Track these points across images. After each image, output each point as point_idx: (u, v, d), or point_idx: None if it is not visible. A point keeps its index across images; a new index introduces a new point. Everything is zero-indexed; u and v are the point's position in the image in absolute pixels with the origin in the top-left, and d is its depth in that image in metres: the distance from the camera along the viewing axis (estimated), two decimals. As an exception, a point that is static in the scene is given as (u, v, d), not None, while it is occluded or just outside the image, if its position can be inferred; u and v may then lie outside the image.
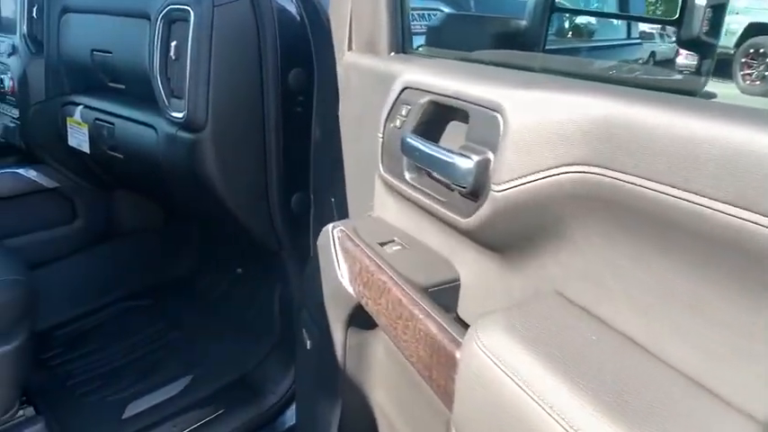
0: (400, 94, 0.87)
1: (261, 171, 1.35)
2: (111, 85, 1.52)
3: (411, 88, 0.84)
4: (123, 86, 1.48)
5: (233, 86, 1.26)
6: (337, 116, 1.28)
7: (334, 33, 1.21)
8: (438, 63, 0.91)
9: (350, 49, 1.15)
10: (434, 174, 0.79)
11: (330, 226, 1.00)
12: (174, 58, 1.24)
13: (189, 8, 1.19)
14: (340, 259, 0.95)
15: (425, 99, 0.80)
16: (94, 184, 1.82)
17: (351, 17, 1.13)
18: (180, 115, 1.24)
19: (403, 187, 0.86)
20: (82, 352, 1.66)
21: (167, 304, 1.86)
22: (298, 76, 1.34)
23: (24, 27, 1.67)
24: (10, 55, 1.71)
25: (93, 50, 1.50)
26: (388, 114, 0.90)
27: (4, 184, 1.70)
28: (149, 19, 1.31)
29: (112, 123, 1.48)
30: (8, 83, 1.71)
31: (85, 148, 1.60)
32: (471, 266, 0.81)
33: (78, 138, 1.62)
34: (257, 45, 1.26)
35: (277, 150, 1.34)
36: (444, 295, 0.82)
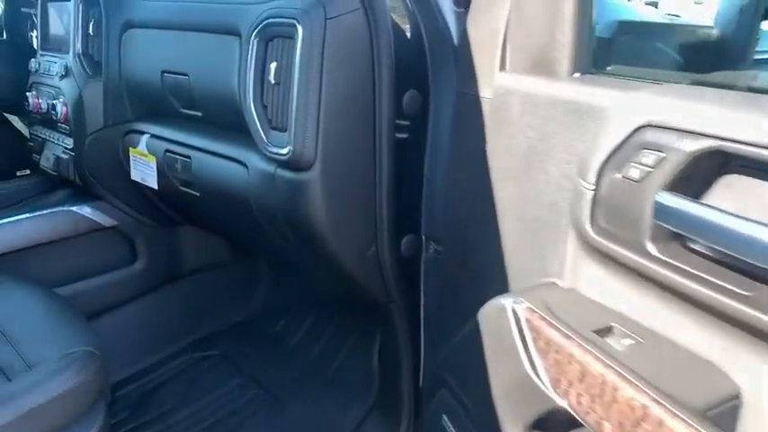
0: (634, 133, 0.64)
1: (371, 211, 1.13)
2: (184, 111, 1.31)
3: (657, 127, 0.62)
4: (200, 114, 1.27)
5: (345, 114, 1.04)
6: (462, 147, 1.06)
7: (475, 49, 0.98)
8: (672, 90, 0.68)
9: (502, 68, 0.92)
10: (725, 254, 0.56)
11: (507, 300, 0.77)
12: (273, 82, 1.03)
13: (296, 22, 0.97)
14: (530, 346, 0.73)
15: (700, 146, 0.58)
16: (157, 220, 1.61)
17: (506, 30, 0.91)
18: (283, 152, 1.02)
19: (642, 262, 0.63)
20: (148, 418, 1.45)
21: (241, 354, 1.65)
22: (413, 100, 1.11)
23: (79, 45, 1.47)
24: (62, 77, 1.51)
25: (163, 72, 1.29)
26: (608, 159, 0.67)
27: (57, 225, 1.50)
28: (239, 36, 1.10)
29: (188, 157, 1.27)
30: (61, 109, 1.51)
31: (153, 183, 1.39)
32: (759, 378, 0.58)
33: (143, 171, 1.41)
34: (371, 62, 1.04)
35: (388, 186, 1.12)
36: (724, 420, 0.59)
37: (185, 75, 1.23)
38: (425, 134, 1.16)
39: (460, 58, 1.02)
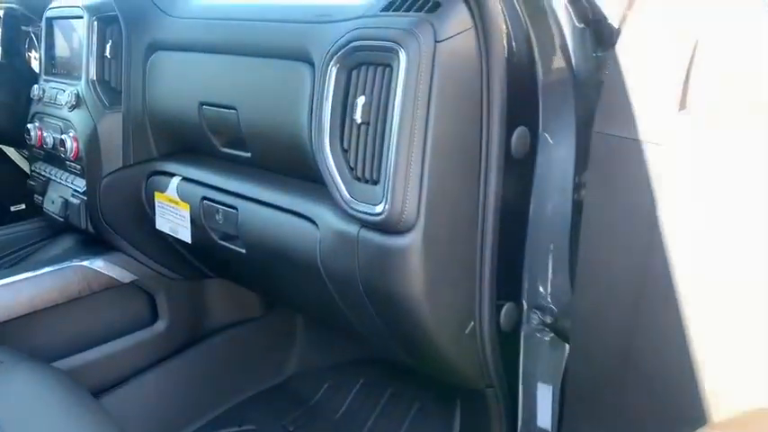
0: None
1: (472, 278, 0.90)
2: (227, 151, 1.08)
3: None
4: (249, 155, 1.04)
5: (451, 160, 0.81)
6: (603, 200, 0.84)
7: (633, 80, 0.77)
8: None
9: (683, 107, 0.71)
10: None
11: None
12: (359, 121, 0.81)
13: (397, 46, 0.76)
14: None
15: None
16: (182, 273, 1.38)
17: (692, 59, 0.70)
18: (376, 210, 0.79)
19: None
20: None
21: (279, 428, 1.41)
22: (522, 139, 0.90)
23: (93, 70, 1.24)
24: (73, 108, 1.27)
25: (201, 104, 1.06)
26: None
27: (65, 284, 1.25)
28: (310, 62, 0.88)
29: (233, 207, 1.04)
30: (71, 145, 1.27)
31: (185, 235, 1.16)
32: None
33: (173, 221, 1.18)
34: (480, 93, 0.83)
35: (493, 245, 0.90)
36: None
37: (232, 108, 1.00)
38: (531, 181, 0.94)
39: (606, 90, 0.80)
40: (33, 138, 1.40)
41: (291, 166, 0.98)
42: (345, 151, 0.84)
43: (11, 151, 1.96)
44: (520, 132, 0.89)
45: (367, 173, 0.81)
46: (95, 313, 1.31)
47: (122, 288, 1.33)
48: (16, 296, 1.20)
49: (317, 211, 0.91)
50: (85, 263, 1.28)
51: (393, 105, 0.77)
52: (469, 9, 0.78)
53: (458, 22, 0.77)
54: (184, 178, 1.15)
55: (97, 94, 1.23)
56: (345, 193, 0.83)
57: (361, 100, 0.80)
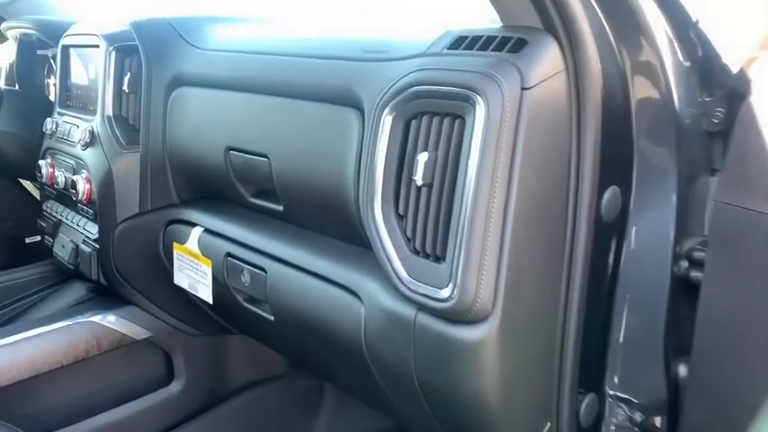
0: None
1: (551, 368, 0.74)
2: (256, 202, 0.94)
3: None
4: (281, 208, 0.90)
5: (535, 229, 0.66)
6: (727, 279, 0.68)
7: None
8: None
9: None
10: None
11: None
12: (420, 182, 0.66)
13: (472, 93, 0.60)
14: None
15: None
16: (202, 328, 1.24)
17: None
18: (442, 294, 0.63)
19: None
20: None
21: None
22: (614, 200, 0.74)
23: (110, 105, 1.11)
24: (87, 146, 1.15)
25: (229, 149, 0.93)
26: None
27: (73, 342, 1.11)
28: (358, 107, 0.74)
29: (262, 268, 0.90)
30: (83, 187, 1.14)
31: (206, 295, 1.02)
32: None
33: (193, 277, 1.04)
34: (570, 148, 0.67)
35: (577, 328, 0.74)
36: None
37: (263, 156, 0.87)
38: (621, 250, 0.78)
39: (735, 151, 0.65)
40: (45, 175, 1.27)
41: (331, 225, 0.83)
42: (401, 218, 0.69)
43: (28, 184, 1.86)
44: (612, 192, 0.73)
45: (428, 246, 0.66)
46: (105, 374, 1.17)
47: (135, 346, 1.19)
48: (16, 358, 1.06)
49: (363, 283, 0.76)
50: (95, 318, 1.15)
51: (466, 164, 0.62)
52: (561, 48, 0.64)
53: (548, 63, 0.62)
54: (207, 230, 1.01)
55: (113, 131, 1.10)
56: (401, 269, 0.68)
57: (422, 157, 0.65)
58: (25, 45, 1.44)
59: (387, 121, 0.68)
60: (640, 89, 0.73)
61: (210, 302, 1.01)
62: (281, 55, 0.85)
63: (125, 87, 1.10)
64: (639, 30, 0.71)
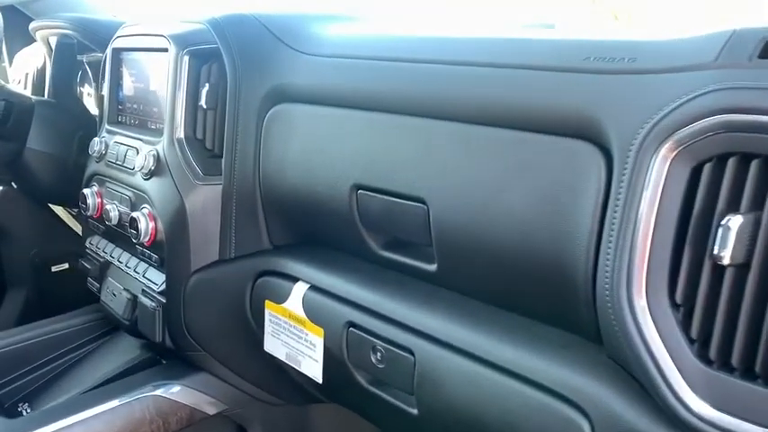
0: None
1: None
2: (388, 257, 0.72)
3: None
4: (433, 269, 0.68)
5: None
6: None
7: None
8: None
9: None
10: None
11: None
12: (727, 260, 0.43)
13: None
14: None
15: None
16: (285, 397, 1.01)
17: None
18: None
19: None
20: None
21: None
22: None
23: (181, 125, 0.88)
24: (150, 175, 0.91)
25: (357, 187, 0.71)
26: None
27: (137, 422, 0.88)
28: (598, 143, 0.51)
29: (408, 350, 0.67)
30: (146, 226, 0.91)
31: (313, 371, 0.79)
32: None
33: (293, 346, 0.81)
34: None
35: None
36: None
37: (418, 201, 0.64)
38: None
39: None
40: (90, 207, 1.05)
41: (522, 299, 0.60)
42: (678, 307, 0.47)
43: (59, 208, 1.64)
44: None
45: (736, 356, 0.43)
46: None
47: (206, 421, 0.96)
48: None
49: (589, 389, 0.52)
50: (159, 392, 0.92)
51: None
52: None
53: None
54: (315, 287, 0.78)
55: (186, 157, 0.87)
56: (683, 387, 0.45)
57: (734, 222, 0.43)
58: (64, 48, 1.22)
59: (657, 166, 0.45)
60: None
61: (319, 381, 0.79)
62: (445, 63, 0.62)
63: (202, 102, 0.87)
64: None
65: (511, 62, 0.57)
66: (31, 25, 1.41)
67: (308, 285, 0.79)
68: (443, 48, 0.64)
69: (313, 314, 0.77)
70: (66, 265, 1.84)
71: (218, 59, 0.86)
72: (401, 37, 0.73)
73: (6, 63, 1.64)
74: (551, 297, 0.56)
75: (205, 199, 0.87)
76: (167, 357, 1.01)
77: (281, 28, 0.85)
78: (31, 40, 1.52)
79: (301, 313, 0.79)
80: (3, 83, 1.25)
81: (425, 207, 0.63)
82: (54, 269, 1.81)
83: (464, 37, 0.67)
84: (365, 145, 0.69)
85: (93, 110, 1.35)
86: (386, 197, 0.67)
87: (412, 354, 0.66)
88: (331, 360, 0.76)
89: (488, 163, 0.57)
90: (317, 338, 0.77)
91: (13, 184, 1.59)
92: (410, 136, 0.64)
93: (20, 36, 1.55)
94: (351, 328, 0.73)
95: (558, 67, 0.54)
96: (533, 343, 0.58)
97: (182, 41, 0.89)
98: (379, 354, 0.70)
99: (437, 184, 0.61)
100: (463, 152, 0.59)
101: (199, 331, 0.91)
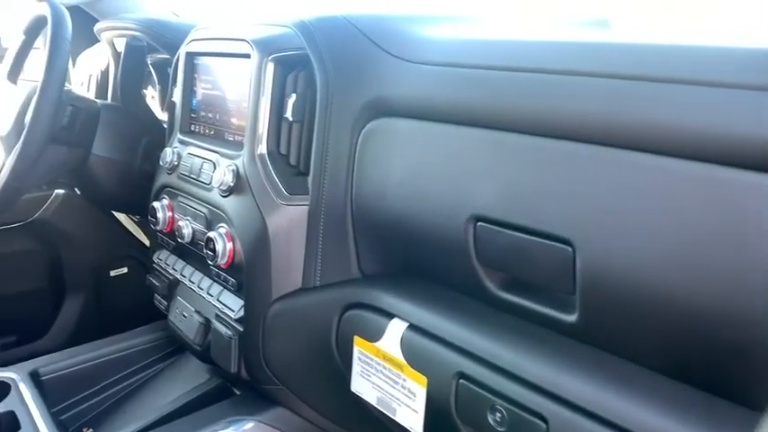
0: None
1: None
2: (509, 300, 0.61)
3: None
4: (572, 319, 0.56)
5: None
6: None
7: None
8: None
9: None
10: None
11: None
12: None
13: None
14: None
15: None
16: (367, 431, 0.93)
17: None
18: None
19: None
20: None
21: None
22: None
23: (264, 138, 0.80)
24: (228, 192, 0.83)
25: (477, 218, 0.61)
26: None
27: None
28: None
29: (540, 416, 0.55)
30: (223, 247, 0.83)
31: (412, 423, 0.70)
32: None
33: (387, 391, 0.72)
34: None
35: None
36: None
37: (561, 241, 0.54)
38: None
39: None
40: (160, 221, 0.98)
41: (696, 367, 0.50)
42: None
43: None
44: None
45: None
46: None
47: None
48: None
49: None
50: (231, 429, 0.84)
51: None
52: None
53: None
54: (415, 326, 0.69)
55: (268, 175, 0.79)
56: None
57: None
58: (134, 51, 1.16)
59: None
60: None
61: (418, 433, 0.70)
62: (599, 76, 0.52)
63: (287, 114, 0.79)
64: None
65: (698, 78, 0.46)
66: (97, 26, 1.36)
67: (407, 324, 0.69)
68: (589, 55, 0.54)
69: (414, 358, 0.68)
70: (124, 270, 1.81)
71: (306, 67, 0.78)
72: (530, 42, 0.63)
73: (70, 64, 1.61)
74: (739, 367, 0.45)
75: (289, 221, 0.78)
76: (239, 387, 0.94)
77: (377, 31, 0.76)
78: (94, 42, 1.48)
79: (399, 356, 0.70)
80: (70, 87, 1.20)
81: (571, 249, 0.53)
82: (112, 274, 1.78)
83: (612, 42, 0.56)
84: (490, 170, 0.59)
85: (159, 114, 1.30)
86: (515, 233, 0.57)
87: (545, 421, 0.56)
88: (435, 413, 0.66)
89: (661, 201, 0.47)
90: (418, 387, 0.68)
91: (76, 189, 1.57)
92: (555, 163, 0.54)
93: (83, 37, 1.51)
94: (461, 380, 0.63)
95: (757, 85, 0.43)
96: (711, 422, 0.47)
97: (266, 47, 0.81)
98: (498, 414, 0.60)
99: (590, 224, 0.51)
100: (627, 187, 0.49)
101: (278, 364, 0.83)
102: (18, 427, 0.86)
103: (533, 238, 0.55)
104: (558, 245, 0.53)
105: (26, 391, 0.93)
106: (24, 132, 0.98)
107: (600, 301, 0.53)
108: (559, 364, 0.56)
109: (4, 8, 1.69)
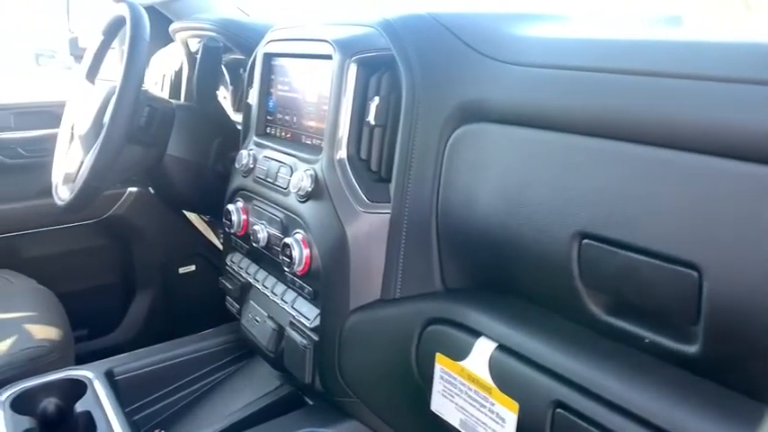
0: None
1: None
2: (616, 325, 0.56)
3: None
4: (692, 350, 0.50)
5: None
6: None
7: None
8: None
9: None
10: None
11: None
12: None
13: None
14: None
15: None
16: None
17: None
18: None
19: None
20: None
21: None
22: None
23: (345, 143, 0.77)
24: (306, 198, 0.81)
25: (583, 235, 0.56)
26: None
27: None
28: None
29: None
30: (299, 254, 0.80)
31: (500, 450, 0.67)
32: None
33: (471, 414, 0.68)
34: None
35: None
36: None
37: (687, 266, 0.49)
38: None
39: None
40: (235, 224, 0.97)
41: None
42: None
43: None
44: None
45: None
46: None
47: (355, 474, 0.86)
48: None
49: None
50: (305, 443, 0.82)
51: None
52: None
53: None
54: (505, 347, 0.65)
55: (348, 180, 0.76)
56: None
57: None
58: (211, 52, 1.15)
59: None
60: None
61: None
62: (729, 81, 0.46)
63: (370, 118, 0.76)
64: None
65: None
66: (172, 27, 1.37)
67: (496, 344, 0.65)
68: (714, 56, 0.48)
69: (503, 382, 0.63)
70: (192, 267, 1.84)
71: (390, 69, 0.74)
72: (639, 42, 0.57)
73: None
74: None
75: (369, 229, 0.75)
76: (311, 396, 0.92)
77: (466, 30, 0.72)
78: (168, 42, 1.50)
79: (486, 377, 0.65)
80: (146, 88, 1.21)
81: (697, 275, 0.47)
82: (181, 271, 1.81)
83: (730, 42, 0.50)
84: (601, 183, 0.54)
85: (231, 114, 1.29)
86: (630, 254, 0.52)
87: (655, 460, 0.50)
88: (525, 437, 0.62)
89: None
90: (508, 413, 0.63)
91: (149, 188, 1.59)
92: (680, 179, 0.48)
93: (158, 37, 1.53)
94: (558, 409, 0.58)
95: None
96: None
97: (348, 47, 0.78)
98: (599, 448, 0.55)
99: (721, 247, 0.46)
100: (766, 206, 0.43)
101: (353, 376, 0.80)
102: (94, 427, 0.86)
103: (650, 260, 0.50)
104: (681, 269, 0.48)
105: (101, 391, 0.93)
106: (103, 132, 0.98)
107: (728, 332, 0.47)
108: (681, 401, 0.50)
109: (80, 9, 1.73)
